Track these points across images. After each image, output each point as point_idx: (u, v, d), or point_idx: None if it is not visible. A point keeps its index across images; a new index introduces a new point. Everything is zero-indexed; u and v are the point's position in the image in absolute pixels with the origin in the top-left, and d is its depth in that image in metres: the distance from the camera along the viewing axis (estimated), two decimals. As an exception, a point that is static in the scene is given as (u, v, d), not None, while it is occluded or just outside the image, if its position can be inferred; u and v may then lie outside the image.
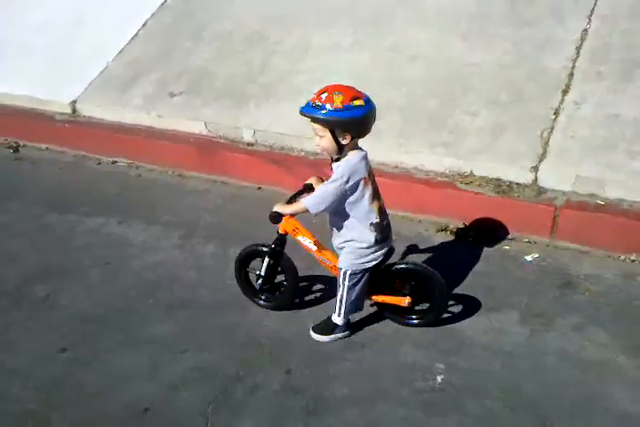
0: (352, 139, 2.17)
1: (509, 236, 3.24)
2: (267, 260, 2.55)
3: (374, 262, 2.34)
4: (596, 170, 3.21)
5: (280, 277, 2.69)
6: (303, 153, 4.00)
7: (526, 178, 3.35)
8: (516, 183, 3.35)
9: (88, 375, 2.45)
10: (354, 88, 2.18)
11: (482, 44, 4.07)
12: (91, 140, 4.58)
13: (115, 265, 3.16)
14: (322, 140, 2.17)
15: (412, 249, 3.14)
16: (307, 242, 2.48)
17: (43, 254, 3.27)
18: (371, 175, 2.29)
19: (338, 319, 2.49)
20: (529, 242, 3.18)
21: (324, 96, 2.11)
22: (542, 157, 3.35)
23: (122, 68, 4.99)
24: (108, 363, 2.51)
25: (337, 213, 2.30)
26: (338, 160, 2.24)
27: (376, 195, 2.30)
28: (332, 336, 2.49)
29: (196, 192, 3.93)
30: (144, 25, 5.29)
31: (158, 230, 3.47)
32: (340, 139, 2.15)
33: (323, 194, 2.21)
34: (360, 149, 2.27)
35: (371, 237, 2.29)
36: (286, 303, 2.70)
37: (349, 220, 2.28)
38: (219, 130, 4.32)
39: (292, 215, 2.42)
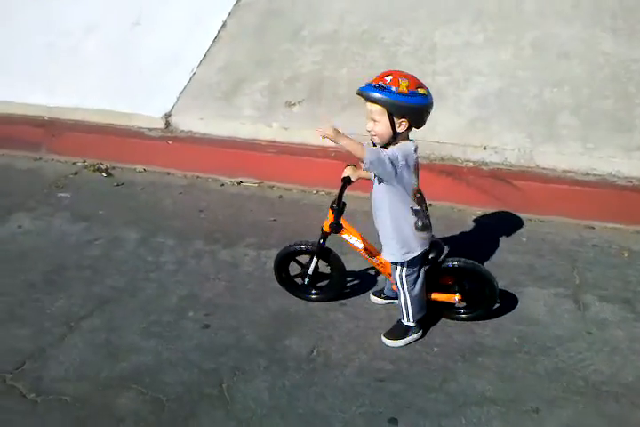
0: (408, 128, 2.12)
1: None
2: (315, 258, 2.51)
3: (421, 250, 2.29)
4: None
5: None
6: (470, 163, 3.72)
7: None
8: None
9: None
10: (417, 77, 2.13)
11: (636, 39, 3.94)
12: (202, 158, 4.10)
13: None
14: (377, 125, 2.10)
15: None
16: (353, 240, 2.46)
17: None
18: (418, 167, 2.25)
19: (409, 323, 2.41)
20: None
21: (388, 78, 2.05)
22: None
23: (214, 74, 4.53)
24: None
25: (382, 202, 2.25)
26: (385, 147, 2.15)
27: (418, 185, 2.28)
28: (408, 339, 2.40)
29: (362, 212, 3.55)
30: (223, 26, 4.83)
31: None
32: (397, 125, 2.09)
33: (385, 155, 2.09)
34: (411, 139, 2.20)
35: (412, 222, 2.25)
36: (335, 296, 2.68)
37: (393, 207, 2.23)
38: (361, 141, 3.95)
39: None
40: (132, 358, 2.38)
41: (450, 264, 2.40)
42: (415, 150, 2.21)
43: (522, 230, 3.27)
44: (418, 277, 2.35)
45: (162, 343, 2.45)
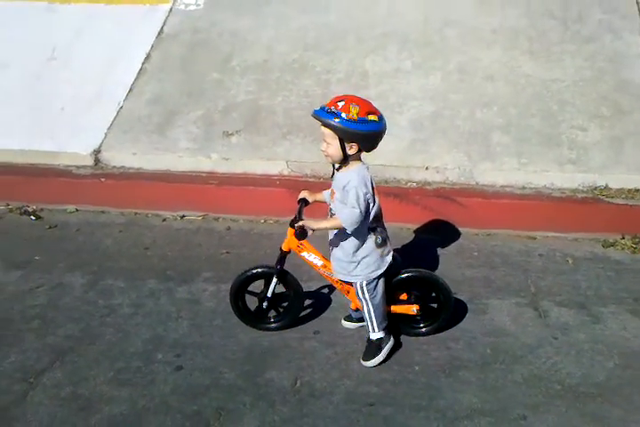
0: (359, 151, 2.27)
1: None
2: (274, 280, 2.57)
3: (384, 268, 2.43)
4: None
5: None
6: (414, 184, 3.92)
7: (665, 185, 3.62)
8: (659, 191, 3.61)
9: None
10: (370, 103, 2.26)
11: (553, 60, 4.36)
12: (139, 193, 4.04)
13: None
14: (329, 147, 2.25)
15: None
16: (311, 257, 2.53)
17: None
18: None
19: (377, 334, 2.51)
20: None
21: (340, 104, 2.18)
22: (674, 164, 3.66)
23: (144, 107, 4.51)
24: None
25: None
26: (339, 169, 2.34)
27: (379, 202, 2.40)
28: (384, 352, 2.51)
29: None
30: (147, 58, 4.84)
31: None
32: (347, 149, 2.23)
33: (356, 209, 2.24)
34: (362, 162, 2.36)
35: (372, 242, 2.38)
36: (293, 320, 2.74)
37: (357, 230, 2.33)
38: (303, 168, 4.08)
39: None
40: (106, 409, 2.30)
41: (404, 275, 2.53)
42: (368, 169, 2.36)
43: (472, 245, 3.48)
44: (377, 284, 2.45)
45: (135, 391, 2.38)
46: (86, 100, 4.57)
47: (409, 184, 3.90)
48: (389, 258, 2.46)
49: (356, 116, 2.16)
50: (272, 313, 2.74)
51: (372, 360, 2.50)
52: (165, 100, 4.51)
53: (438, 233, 3.59)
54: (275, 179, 4.02)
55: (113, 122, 4.43)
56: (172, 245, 3.60)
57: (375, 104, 4.26)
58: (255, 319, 2.74)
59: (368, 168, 2.36)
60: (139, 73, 4.74)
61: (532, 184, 3.79)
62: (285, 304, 2.74)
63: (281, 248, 2.54)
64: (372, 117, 2.21)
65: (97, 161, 4.28)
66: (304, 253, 2.54)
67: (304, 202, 2.55)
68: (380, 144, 3.99)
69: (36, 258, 3.43)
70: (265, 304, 2.64)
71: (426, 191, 3.81)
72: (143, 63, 4.80)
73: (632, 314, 2.78)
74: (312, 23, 4.81)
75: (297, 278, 2.64)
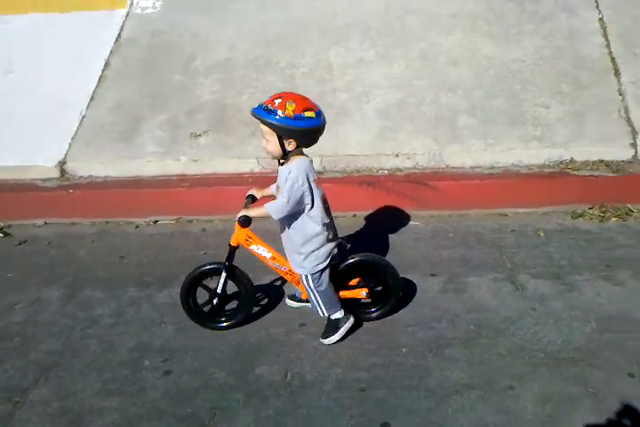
0: (297, 146, 2.33)
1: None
2: (223, 275, 2.60)
3: (328, 261, 2.51)
4: (687, 137, 3.72)
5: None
6: (385, 171, 3.99)
7: (628, 154, 3.75)
8: (622, 161, 3.73)
9: None
10: (308, 99, 2.32)
11: (512, 41, 4.45)
12: (109, 202, 4.03)
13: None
14: (268, 144, 2.32)
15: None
16: (260, 250, 2.59)
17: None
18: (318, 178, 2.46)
19: (330, 314, 2.60)
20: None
21: (277, 101, 2.24)
22: (634, 134, 3.79)
23: (107, 115, 4.51)
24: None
25: (291, 218, 2.42)
26: (283, 165, 2.41)
27: (324, 196, 2.48)
28: (341, 331, 2.59)
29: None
30: (107, 65, 4.83)
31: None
32: (286, 145, 2.30)
33: (284, 200, 2.34)
34: (305, 155, 2.43)
35: (323, 237, 2.45)
36: (246, 317, 2.76)
37: (304, 222, 2.42)
38: (274, 165, 4.09)
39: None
40: (98, 421, 2.30)
41: (352, 260, 2.59)
42: (311, 162, 2.41)
43: (446, 227, 3.56)
44: (322, 274, 2.51)
45: (125, 399, 2.39)
46: (48, 112, 4.54)
47: (380, 172, 3.96)
48: (335, 250, 2.53)
49: (292, 114, 2.21)
50: (226, 311, 2.75)
51: (329, 338, 2.58)
52: (128, 106, 4.51)
53: (414, 218, 3.66)
54: (246, 177, 4.05)
55: (77, 132, 4.42)
56: (147, 252, 3.60)
57: (342, 96, 4.40)
58: (207, 318, 2.75)
59: (311, 161, 2.42)
60: (99, 80, 4.73)
61: (499, 163, 3.89)
62: (236, 303, 2.75)
63: (230, 243, 2.58)
64: (308, 114, 2.26)
65: (63, 172, 4.26)
66: (252, 247, 2.59)
67: (251, 198, 2.63)
68: (350, 134, 4.12)
69: (9, 275, 3.41)
70: (215, 301, 2.66)
71: (397, 177, 3.87)
72: (103, 70, 4.79)
73: (605, 280, 2.87)
74: (273, 19, 4.84)
75: (246, 274, 2.65)
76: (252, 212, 2.47)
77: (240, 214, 2.47)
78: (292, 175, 2.33)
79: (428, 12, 4.72)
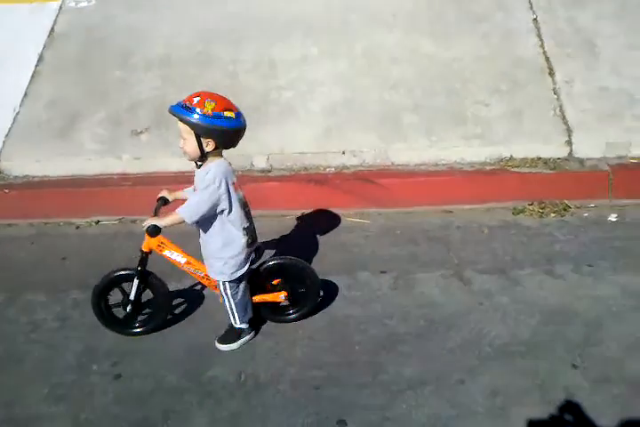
0: (216, 148, 2.28)
1: (577, 204, 3.71)
2: (136, 282, 2.54)
3: (247, 267, 2.47)
4: (616, 135, 3.90)
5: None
6: (332, 169, 4.00)
7: (563, 152, 3.90)
8: (558, 158, 3.88)
9: None
10: (228, 100, 2.28)
11: (452, 40, 4.54)
12: (47, 202, 3.87)
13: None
14: (185, 143, 2.27)
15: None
16: (174, 256, 2.53)
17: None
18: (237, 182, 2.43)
19: (240, 325, 2.58)
20: (595, 206, 3.70)
21: (196, 99, 2.20)
22: (569, 132, 3.94)
23: (42, 111, 4.32)
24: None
25: (209, 222, 2.37)
26: (200, 167, 2.36)
27: (244, 200, 2.44)
28: (240, 342, 2.58)
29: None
30: (40, 59, 4.63)
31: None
32: (204, 145, 2.25)
33: (197, 202, 2.29)
34: (224, 158, 2.38)
35: (243, 242, 2.40)
36: (162, 323, 2.71)
37: (222, 227, 2.37)
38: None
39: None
40: (46, 427, 2.22)
41: (270, 263, 2.58)
42: (230, 165, 2.36)
43: (393, 224, 3.60)
44: (240, 282, 2.48)
45: (74, 405, 2.32)
46: (-22, 109, 4.29)
47: (327, 170, 3.97)
48: (251, 256, 2.48)
49: (210, 112, 2.17)
50: (140, 317, 2.68)
51: (226, 345, 2.55)
52: (65, 103, 4.33)
53: (361, 216, 3.69)
54: (189, 175, 3.95)
55: (10, 129, 4.22)
56: (90, 253, 3.48)
57: (286, 93, 4.36)
58: (120, 324, 2.67)
59: (230, 164, 2.37)
60: (32, 76, 4.52)
61: (443, 160, 3.96)
62: (151, 309, 2.68)
63: (141, 249, 2.49)
64: (228, 114, 2.21)
65: (-3, 171, 4.05)
66: (166, 252, 2.53)
67: (163, 200, 2.55)
68: (297, 131, 4.10)
69: (-58, 280, 3.22)
70: (129, 308, 2.58)
71: (345, 175, 3.89)
72: (36, 65, 4.59)
73: (547, 274, 2.98)
74: (212, 14, 4.75)
75: (162, 280, 2.60)
76: (162, 221, 2.37)
77: (148, 223, 2.37)
78: (209, 177, 2.26)
79: (369, 9, 4.75)
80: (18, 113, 4.30)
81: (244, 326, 2.57)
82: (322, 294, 2.75)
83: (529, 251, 3.18)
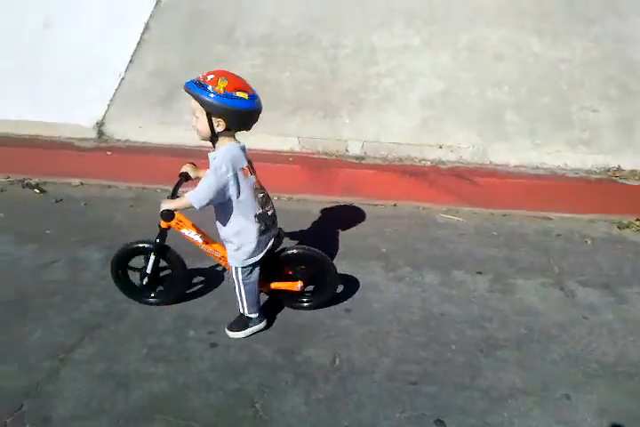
0: (227, 129, 2.18)
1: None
2: (152, 256, 2.51)
3: (262, 254, 2.38)
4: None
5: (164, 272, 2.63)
6: (428, 162, 3.88)
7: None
8: (670, 173, 3.64)
9: None
10: (244, 80, 2.18)
11: (561, 41, 4.32)
12: (147, 168, 3.88)
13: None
14: (197, 122, 2.18)
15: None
16: (192, 235, 2.48)
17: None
18: (251, 166, 2.32)
19: (248, 313, 2.50)
20: None
21: (210, 77, 2.11)
22: (683, 147, 3.69)
23: (146, 79, 4.34)
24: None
25: (221, 207, 2.29)
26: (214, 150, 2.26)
27: (258, 185, 2.33)
28: (248, 331, 2.48)
29: (331, 217, 3.55)
30: (147, 28, 4.63)
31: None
32: (215, 125, 2.16)
33: (205, 187, 2.19)
34: (237, 141, 2.29)
35: (255, 229, 2.30)
36: (178, 297, 2.68)
37: (233, 213, 2.28)
38: (316, 145, 3.98)
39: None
40: (145, 386, 2.20)
41: (289, 252, 2.49)
42: (243, 149, 2.26)
43: (489, 225, 3.46)
44: (253, 270, 2.40)
45: (172, 368, 2.29)
46: (86, 71, 4.36)
47: (422, 162, 3.85)
48: (270, 242, 2.39)
49: (222, 91, 2.08)
50: (159, 288, 2.65)
51: (235, 333, 2.47)
52: (168, 72, 4.34)
53: (456, 213, 3.56)
54: (288, 156, 3.92)
55: (115, 94, 4.26)
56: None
57: (386, 81, 4.24)
58: (137, 292, 2.65)
59: (243, 148, 2.27)
60: (138, 44, 4.55)
61: (545, 165, 3.79)
62: (168, 282, 2.64)
63: (159, 225, 2.44)
64: (240, 94, 2.11)
65: (100, 134, 4.10)
66: (184, 231, 2.47)
67: (185, 176, 2.45)
68: (393, 121, 3.99)
69: (47, 232, 3.28)
70: (145, 280, 2.55)
71: (441, 170, 3.76)
72: (142, 34, 4.60)
73: (656, 295, 2.80)
74: (316, -3, 4.66)
75: (179, 256, 2.54)
76: (174, 204, 2.31)
77: (162, 208, 2.31)
78: (217, 162, 2.17)
79: (474, 2, 4.57)
80: (123, 79, 4.33)
81: (252, 315, 2.48)
82: (340, 288, 2.66)
83: (637, 268, 2.99)
